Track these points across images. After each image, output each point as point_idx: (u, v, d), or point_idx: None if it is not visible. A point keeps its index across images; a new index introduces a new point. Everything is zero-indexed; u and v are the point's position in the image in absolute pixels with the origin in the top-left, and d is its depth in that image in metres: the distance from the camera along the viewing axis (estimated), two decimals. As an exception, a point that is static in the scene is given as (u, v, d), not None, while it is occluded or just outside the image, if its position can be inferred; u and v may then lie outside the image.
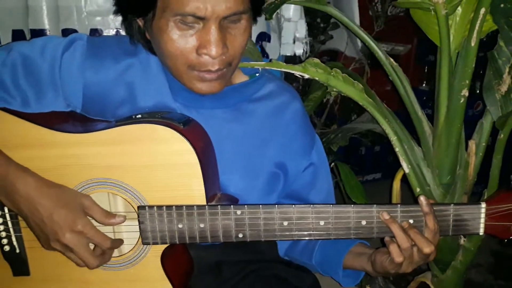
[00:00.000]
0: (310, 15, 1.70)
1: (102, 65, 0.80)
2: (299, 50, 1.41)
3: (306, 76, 1.04)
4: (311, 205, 0.74)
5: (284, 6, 1.32)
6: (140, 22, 0.77)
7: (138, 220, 0.75)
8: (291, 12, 1.35)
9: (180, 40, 0.71)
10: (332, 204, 0.75)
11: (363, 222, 0.74)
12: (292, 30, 1.37)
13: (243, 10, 0.71)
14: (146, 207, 0.74)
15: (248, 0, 0.73)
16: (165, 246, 0.77)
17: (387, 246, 0.75)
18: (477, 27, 0.99)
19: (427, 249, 0.73)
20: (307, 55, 1.41)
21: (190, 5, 0.68)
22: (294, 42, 1.38)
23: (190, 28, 0.71)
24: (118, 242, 0.77)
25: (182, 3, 0.68)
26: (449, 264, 1.23)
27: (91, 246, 0.75)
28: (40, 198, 0.72)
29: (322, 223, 0.74)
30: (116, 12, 0.78)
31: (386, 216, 0.73)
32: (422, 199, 0.73)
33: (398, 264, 0.74)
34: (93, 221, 0.75)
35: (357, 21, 1.51)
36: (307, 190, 0.91)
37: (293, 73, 1.05)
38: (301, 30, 1.39)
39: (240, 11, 0.71)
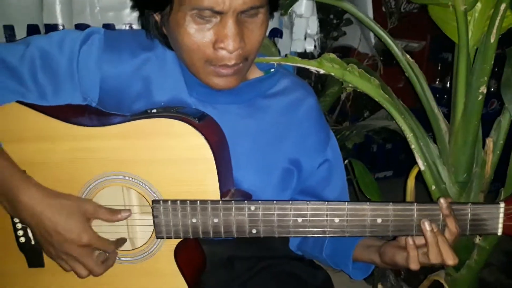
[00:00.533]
0: (323, 11, 1.68)
1: (120, 59, 0.80)
2: (310, 46, 1.40)
3: (322, 71, 1.02)
4: (326, 202, 0.73)
5: (296, 2, 1.30)
6: (156, 17, 0.77)
7: (152, 214, 0.75)
8: (303, 8, 1.33)
9: (197, 34, 0.71)
10: (347, 201, 0.74)
11: (379, 220, 0.73)
12: (303, 26, 1.35)
13: (260, 4, 0.71)
14: (160, 201, 0.74)
15: None
16: (179, 240, 0.77)
17: (408, 249, 0.72)
18: (497, 23, 0.97)
19: (451, 261, 0.71)
20: (318, 52, 1.40)
21: None
22: (305, 38, 1.37)
23: (207, 22, 0.70)
24: (121, 241, 0.77)
25: None
26: (464, 263, 1.22)
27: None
28: (44, 209, 0.72)
29: (337, 220, 0.73)
30: (133, 7, 0.78)
31: (427, 227, 0.70)
32: (442, 201, 0.71)
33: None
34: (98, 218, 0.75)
35: (371, 16, 1.50)
36: (321, 187, 0.90)
37: (306, 69, 1.04)
38: (313, 26, 1.38)
39: (257, 5, 0.70)
